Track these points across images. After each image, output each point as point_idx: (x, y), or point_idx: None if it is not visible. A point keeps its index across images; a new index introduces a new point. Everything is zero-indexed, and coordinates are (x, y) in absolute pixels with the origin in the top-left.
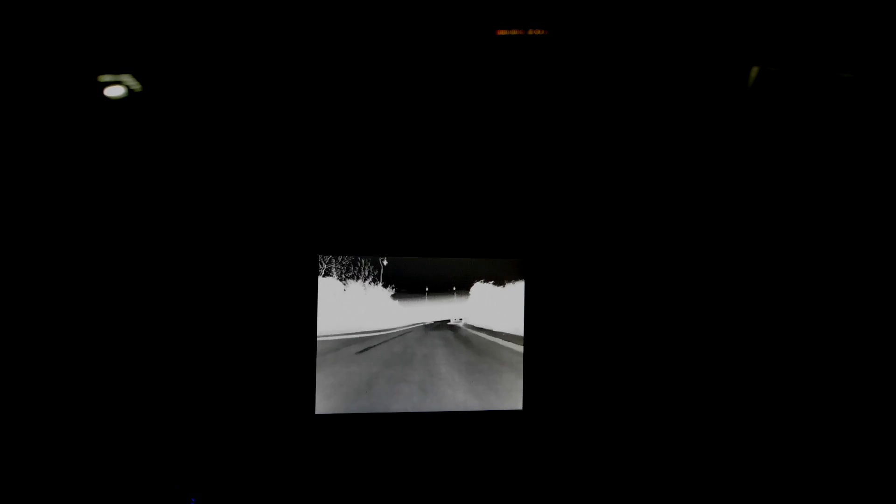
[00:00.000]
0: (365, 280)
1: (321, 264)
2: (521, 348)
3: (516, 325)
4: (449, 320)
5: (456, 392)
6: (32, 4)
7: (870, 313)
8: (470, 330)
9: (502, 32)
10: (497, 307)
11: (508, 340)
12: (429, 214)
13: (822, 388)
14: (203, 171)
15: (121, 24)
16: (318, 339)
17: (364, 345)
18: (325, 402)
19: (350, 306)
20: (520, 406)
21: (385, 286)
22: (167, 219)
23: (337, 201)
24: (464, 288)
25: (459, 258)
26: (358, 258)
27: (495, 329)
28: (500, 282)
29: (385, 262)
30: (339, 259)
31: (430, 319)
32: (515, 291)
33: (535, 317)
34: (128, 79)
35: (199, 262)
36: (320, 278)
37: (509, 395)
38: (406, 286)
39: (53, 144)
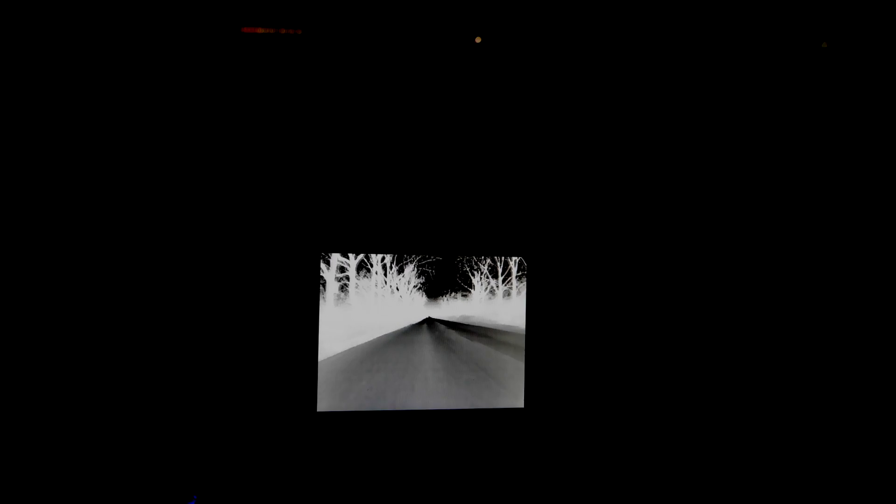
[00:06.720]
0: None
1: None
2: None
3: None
4: (470, 317)
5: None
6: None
7: (869, 313)
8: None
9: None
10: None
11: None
12: (432, 213)
13: (822, 388)
14: (213, 170)
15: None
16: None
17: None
18: (328, 400)
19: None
20: (521, 404)
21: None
22: (174, 215)
23: (340, 200)
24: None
25: (463, 256)
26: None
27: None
28: (506, 279)
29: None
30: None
31: (441, 317)
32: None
33: (536, 315)
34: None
35: (203, 258)
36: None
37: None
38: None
39: (55, 141)
